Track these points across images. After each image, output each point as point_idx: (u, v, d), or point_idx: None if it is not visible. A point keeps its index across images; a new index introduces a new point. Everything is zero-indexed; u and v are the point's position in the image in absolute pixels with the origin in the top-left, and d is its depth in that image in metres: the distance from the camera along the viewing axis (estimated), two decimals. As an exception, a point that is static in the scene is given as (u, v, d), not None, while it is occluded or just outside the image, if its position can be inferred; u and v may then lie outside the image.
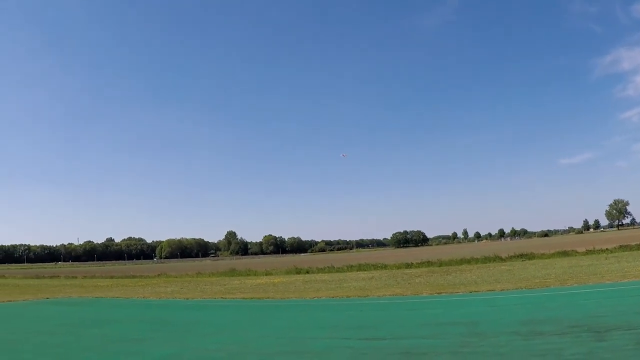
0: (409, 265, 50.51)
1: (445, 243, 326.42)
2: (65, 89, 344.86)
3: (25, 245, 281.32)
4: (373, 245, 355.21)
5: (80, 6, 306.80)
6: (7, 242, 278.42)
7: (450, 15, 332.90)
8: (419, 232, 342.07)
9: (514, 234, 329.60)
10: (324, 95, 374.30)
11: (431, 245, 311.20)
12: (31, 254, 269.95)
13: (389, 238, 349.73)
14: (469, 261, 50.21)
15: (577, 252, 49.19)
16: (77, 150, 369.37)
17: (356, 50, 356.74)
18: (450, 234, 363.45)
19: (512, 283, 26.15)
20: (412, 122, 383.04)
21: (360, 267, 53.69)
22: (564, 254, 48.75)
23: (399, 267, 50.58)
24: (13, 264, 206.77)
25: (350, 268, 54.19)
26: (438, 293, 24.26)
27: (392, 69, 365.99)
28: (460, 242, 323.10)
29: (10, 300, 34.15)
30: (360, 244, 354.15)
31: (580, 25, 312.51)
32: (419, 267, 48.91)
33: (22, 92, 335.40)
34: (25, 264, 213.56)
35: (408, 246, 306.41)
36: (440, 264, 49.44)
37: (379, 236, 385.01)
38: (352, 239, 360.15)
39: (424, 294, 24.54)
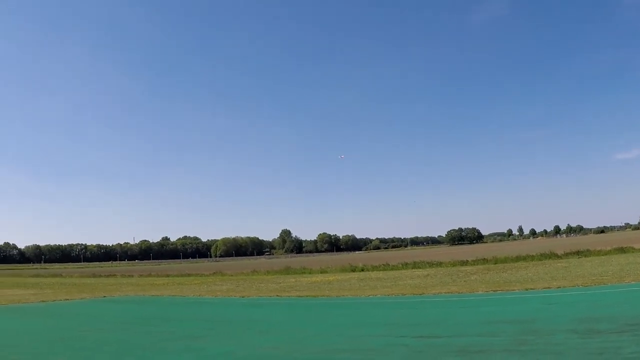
0: (464, 263, 49.92)
1: (500, 240, 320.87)
2: (122, 88, 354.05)
3: (82, 244, 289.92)
4: (427, 243, 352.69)
5: (138, 5, 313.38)
6: (64, 241, 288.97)
7: (501, 11, 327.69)
8: (474, 230, 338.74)
9: (570, 230, 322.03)
10: (373, 94, 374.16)
11: (486, 242, 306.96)
12: (88, 253, 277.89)
13: (444, 235, 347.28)
14: (524, 258, 49.43)
15: (634, 248, 47.87)
16: (133, 150, 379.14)
17: (412, 47, 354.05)
18: (505, 231, 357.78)
19: (569, 280, 25.70)
20: (466, 119, 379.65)
21: (416, 265, 53.16)
22: (621, 250, 47.60)
23: (454, 264, 50.01)
24: (70, 263, 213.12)
25: (405, 266, 53.76)
26: (494, 291, 24.02)
27: (441, 65, 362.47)
28: (515, 239, 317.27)
29: (68, 299, 34.93)
30: (415, 242, 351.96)
31: (634, 17, 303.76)
32: (474, 264, 48.36)
33: (80, 92, 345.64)
34: (82, 263, 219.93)
35: (463, 243, 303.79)
36: (496, 261, 48.87)
37: (434, 233, 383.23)
38: (406, 237, 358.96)
39: (480, 291, 24.32)
